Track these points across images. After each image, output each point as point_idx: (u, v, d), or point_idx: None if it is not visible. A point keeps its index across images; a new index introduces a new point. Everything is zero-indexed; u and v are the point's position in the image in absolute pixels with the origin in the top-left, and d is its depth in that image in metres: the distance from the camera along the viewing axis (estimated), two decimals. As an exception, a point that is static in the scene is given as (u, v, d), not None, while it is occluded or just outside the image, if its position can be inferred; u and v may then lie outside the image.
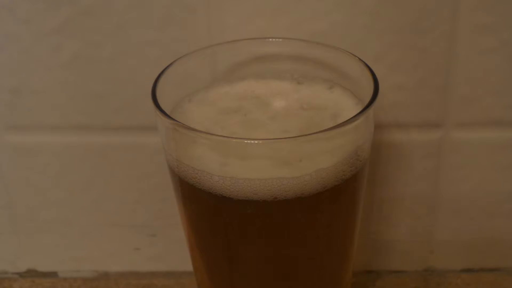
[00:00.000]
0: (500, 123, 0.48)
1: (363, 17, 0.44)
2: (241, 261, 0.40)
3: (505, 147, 0.48)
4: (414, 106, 0.47)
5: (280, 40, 0.43)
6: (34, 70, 0.47)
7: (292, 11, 0.44)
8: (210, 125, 0.39)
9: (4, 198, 0.51)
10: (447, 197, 0.50)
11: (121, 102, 0.47)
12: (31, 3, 0.44)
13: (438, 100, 0.47)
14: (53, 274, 0.54)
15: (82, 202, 0.51)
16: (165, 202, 0.50)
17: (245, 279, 0.40)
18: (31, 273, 0.54)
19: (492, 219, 0.51)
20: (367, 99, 0.37)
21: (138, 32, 0.45)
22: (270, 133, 0.39)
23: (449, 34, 0.45)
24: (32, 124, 0.48)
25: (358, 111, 0.36)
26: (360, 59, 0.40)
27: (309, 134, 0.35)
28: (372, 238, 0.52)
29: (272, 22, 0.45)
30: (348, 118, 0.36)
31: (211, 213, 0.38)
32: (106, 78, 0.47)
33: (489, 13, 0.44)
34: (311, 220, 0.38)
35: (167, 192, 0.43)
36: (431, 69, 0.46)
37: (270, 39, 0.43)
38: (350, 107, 0.40)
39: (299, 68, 0.43)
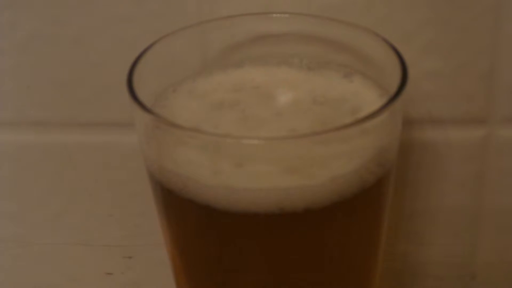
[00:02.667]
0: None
1: (388, -13, 0.45)
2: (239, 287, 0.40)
3: None
4: (452, 98, 0.47)
5: (286, 16, 0.43)
6: (-19, 52, 0.47)
7: (301, -20, 0.45)
8: (199, 122, 0.39)
9: None
10: (492, 210, 0.51)
11: (89, 92, 0.48)
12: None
13: (482, 90, 0.47)
14: (5, 304, 0.55)
15: (40, 216, 0.52)
16: (143, 216, 0.50)
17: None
18: (-22, 303, 0.55)
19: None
20: (393, 90, 0.38)
21: (110, 6, 0.45)
22: (274, 133, 0.39)
23: (494, 8, 0.45)
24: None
25: (382, 104, 0.37)
26: (384, 39, 0.40)
27: (322, 133, 0.35)
28: (400, 260, 0.52)
29: (276, -7, 0.45)
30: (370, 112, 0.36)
31: (201, 230, 0.39)
32: (71, 63, 0.47)
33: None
34: (324, 238, 0.38)
35: (146, 204, 0.43)
36: (473, 52, 0.46)
37: (274, 15, 0.43)
38: (372, 100, 0.40)
39: (310, 51, 0.43)
